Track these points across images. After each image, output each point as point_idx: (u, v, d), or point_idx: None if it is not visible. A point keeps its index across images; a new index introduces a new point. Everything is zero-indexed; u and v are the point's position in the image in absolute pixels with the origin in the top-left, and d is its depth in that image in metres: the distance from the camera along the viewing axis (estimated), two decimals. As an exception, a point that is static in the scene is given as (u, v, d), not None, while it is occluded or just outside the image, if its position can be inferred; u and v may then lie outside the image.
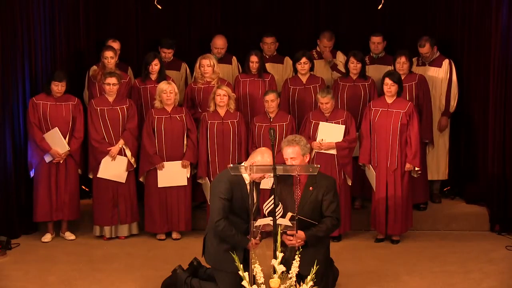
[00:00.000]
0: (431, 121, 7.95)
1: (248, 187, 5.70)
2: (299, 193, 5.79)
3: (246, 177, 5.70)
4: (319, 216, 5.78)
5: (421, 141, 7.58)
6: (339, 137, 7.37)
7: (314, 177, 5.78)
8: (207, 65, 7.86)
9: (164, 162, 7.53)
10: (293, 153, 5.77)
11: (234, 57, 8.54)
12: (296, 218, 5.56)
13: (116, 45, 8.15)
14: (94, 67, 8.15)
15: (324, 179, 5.85)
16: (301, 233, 5.64)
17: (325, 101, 7.39)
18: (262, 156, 5.71)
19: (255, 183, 5.76)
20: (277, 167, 5.43)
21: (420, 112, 7.76)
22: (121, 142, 7.56)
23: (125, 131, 7.59)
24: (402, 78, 7.68)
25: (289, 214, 5.60)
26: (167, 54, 8.33)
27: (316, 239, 5.73)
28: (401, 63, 7.79)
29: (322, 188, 5.79)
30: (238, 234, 5.64)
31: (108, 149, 7.53)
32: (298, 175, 5.72)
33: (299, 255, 5.31)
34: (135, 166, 7.65)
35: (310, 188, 5.79)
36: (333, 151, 7.39)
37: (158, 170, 7.54)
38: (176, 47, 8.43)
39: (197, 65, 7.95)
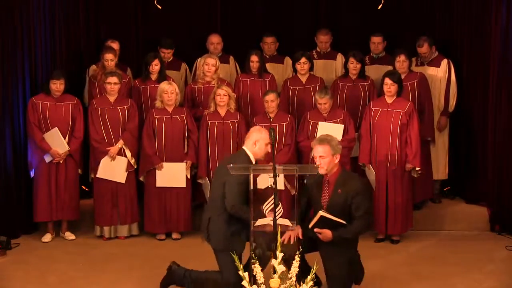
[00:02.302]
0: (433, 119, 7.97)
1: None
2: (327, 194, 5.78)
3: (252, 158, 5.82)
4: (348, 217, 5.72)
5: (423, 139, 7.61)
6: (339, 137, 7.37)
7: (343, 178, 5.76)
8: (212, 64, 7.86)
9: (163, 163, 7.53)
10: (323, 152, 5.73)
11: (231, 57, 8.56)
12: (325, 215, 5.59)
13: (115, 45, 8.15)
14: (94, 66, 8.16)
15: (353, 180, 5.80)
16: (328, 233, 5.63)
17: (323, 102, 7.41)
18: (260, 132, 5.86)
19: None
20: (277, 167, 5.42)
21: (422, 110, 7.78)
22: (121, 142, 7.56)
23: (125, 132, 7.59)
24: (403, 77, 7.70)
25: (319, 214, 5.62)
26: (166, 54, 8.34)
27: (342, 240, 5.69)
28: (401, 62, 7.80)
29: (351, 190, 5.71)
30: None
31: (108, 149, 7.53)
32: (328, 176, 5.72)
33: (299, 255, 5.30)
34: (135, 167, 7.65)
35: (339, 190, 5.74)
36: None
37: (157, 170, 7.54)
38: (176, 47, 8.44)
39: (201, 63, 7.93)
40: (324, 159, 5.74)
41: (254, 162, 5.84)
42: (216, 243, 5.83)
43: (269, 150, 5.83)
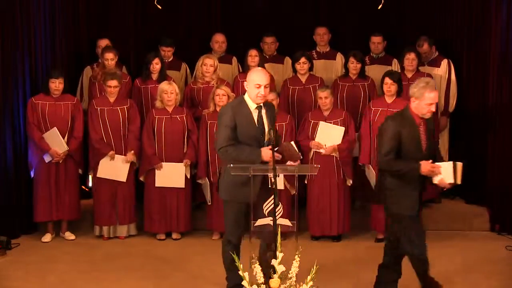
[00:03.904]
0: (438, 120, 7.99)
1: (255, 114, 5.55)
2: (424, 138, 5.73)
3: (251, 105, 5.55)
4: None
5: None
6: (339, 139, 7.36)
7: (428, 120, 5.74)
8: (210, 64, 7.86)
9: (163, 163, 7.53)
10: (437, 97, 5.67)
11: (234, 57, 8.56)
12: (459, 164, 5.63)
13: (107, 42, 8.19)
14: (88, 67, 8.18)
15: (430, 120, 5.82)
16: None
17: (324, 96, 7.40)
18: (250, 73, 5.56)
19: (261, 109, 5.61)
20: (277, 167, 5.40)
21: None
22: (131, 153, 7.54)
23: (129, 134, 7.58)
24: (410, 75, 7.72)
25: (460, 165, 5.60)
26: (167, 52, 8.35)
27: None
28: (410, 59, 7.81)
29: (431, 128, 5.78)
30: (247, 149, 5.48)
31: (111, 153, 7.52)
32: (422, 120, 5.65)
33: (299, 255, 5.29)
34: (137, 166, 7.66)
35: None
36: (335, 154, 7.39)
37: (156, 170, 7.54)
38: (176, 47, 8.45)
39: (200, 63, 7.94)
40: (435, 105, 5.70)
41: (253, 107, 5.53)
42: (221, 192, 5.70)
43: (263, 93, 5.47)
